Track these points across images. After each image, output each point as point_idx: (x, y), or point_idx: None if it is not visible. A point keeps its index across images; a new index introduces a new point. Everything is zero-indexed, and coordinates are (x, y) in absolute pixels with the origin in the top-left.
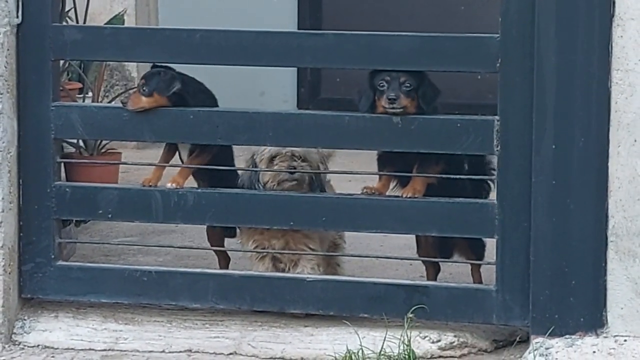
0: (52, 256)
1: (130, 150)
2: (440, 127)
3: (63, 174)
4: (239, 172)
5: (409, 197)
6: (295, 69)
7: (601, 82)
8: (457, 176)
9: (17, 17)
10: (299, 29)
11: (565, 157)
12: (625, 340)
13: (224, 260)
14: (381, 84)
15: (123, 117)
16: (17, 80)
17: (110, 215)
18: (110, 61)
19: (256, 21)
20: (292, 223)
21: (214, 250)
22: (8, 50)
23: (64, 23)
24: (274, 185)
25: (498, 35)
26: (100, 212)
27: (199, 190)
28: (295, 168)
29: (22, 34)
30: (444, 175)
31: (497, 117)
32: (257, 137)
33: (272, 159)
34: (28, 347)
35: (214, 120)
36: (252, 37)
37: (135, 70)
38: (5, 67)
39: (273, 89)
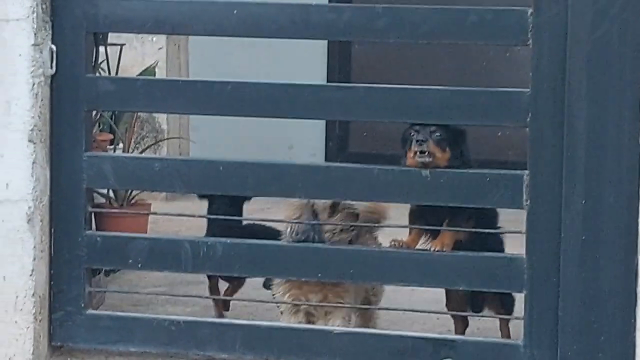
0: (82, 305)
1: (159, 202)
2: (470, 181)
3: (93, 224)
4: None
5: (437, 251)
6: (324, 122)
7: (632, 138)
8: (487, 230)
9: (51, 68)
10: (328, 81)
11: (595, 213)
12: None
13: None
14: (411, 134)
15: (154, 167)
16: (50, 130)
17: (140, 265)
18: (142, 112)
19: (286, 74)
20: (319, 275)
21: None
22: (42, 100)
23: (97, 74)
24: (333, 235)
25: (529, 89)
26: (131, 261)
27: (228, 241)
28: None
29: (56, 85)
30: (473, 230)
31: (526, 172)
32: (286, 189)
33: (332, 208)
34: None
35: (244, 172)
36: (282, 89)
37: (165, 122)
38: (39, 117)
39: (301, 142)
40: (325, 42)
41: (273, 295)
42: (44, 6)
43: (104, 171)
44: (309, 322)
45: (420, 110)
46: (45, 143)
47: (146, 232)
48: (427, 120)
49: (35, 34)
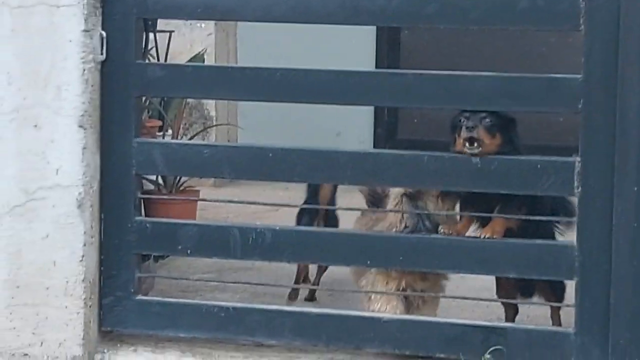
0: (132, 290)
1: (207, 188)
2: (520, 168)
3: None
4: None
5: (487, 238)
6: (372, 109)
7: None
8: (539, 218)
9: (102, 54)
10: (376, 67)
11: None
12: None
13: None
14: (461, 120)
15: (203, 154)
16: (100, 116)
17: (189, 251)
18: (191, 98)
19: (334, 61)
20: (369, 262)
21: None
22: (92, 86)
23: (146, 61)
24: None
25: (580, 75)
26: (180, 247)
27: (277, 228)
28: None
29: (106, 71)
30: (524, 217)
31: (578, 158)
32: (334, 176)
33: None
34: None
35: (292, 158)
36: (331, 76)
37: (213, 108)
38: (89, 102)
39: (349, 129)
40: (374, 27)
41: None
42: None
43: (153, 157)
44: (405, 309)
45: (470, 96)
46: (96, 129)
47: (195, 219)
48: (477, 107)
49: (85, 20)
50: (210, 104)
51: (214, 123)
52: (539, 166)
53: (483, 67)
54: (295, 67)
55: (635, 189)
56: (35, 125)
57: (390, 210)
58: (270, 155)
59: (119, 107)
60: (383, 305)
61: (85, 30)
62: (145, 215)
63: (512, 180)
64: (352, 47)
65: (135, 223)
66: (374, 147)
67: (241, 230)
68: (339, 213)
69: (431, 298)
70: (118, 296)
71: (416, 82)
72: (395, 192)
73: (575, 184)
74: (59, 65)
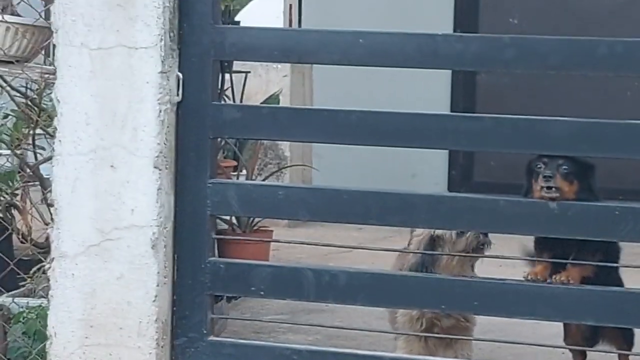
0: (205, 331)
1: (281, 229)
2: (598, 214)
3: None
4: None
5: (563, 284)
6: (447, 151)
7: None
8: (614, 265)
9: (178, 95)
10: (452, 111)
11: None
12: None
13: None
14: (538, 166)
15: (278, 195)
16: (175, 157)
17: (262, 293)
18: (268, 140)
19: (409, 104)
20: (443, 306)
21: None
22: (168, 127)
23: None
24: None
25: None
26: (253, 288)
27: (351, 270)
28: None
29: (182, 112)
30: (601, 264)
31: None
32: (409, 219)
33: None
34: None
35: (367, 201)
36: (407, 119)
37: (288, 149)
38: (165, 144)
39: (424, 171)
40: (450, 71)
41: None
42: (171, 34)
43: (228, 198)
44: (429, 352)
45: (548, 141)
46: (171, 169)
47: (268, 259)
48: (555, 152)
49: (162, 62)
50: (284, 145)
51: (289, 163)
52: (617, 212)
53: (561, 111)
54: (372, 110)
55: None
56: (112, 166)
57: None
58: (345, 197)
59: (194, 148)
60: (407, 347)
61: (162, 72)
62: (219, 255)
63: (589, 226)
64: (427, 90)
65: (208, 264)
66: (449, 189)
67: (315, 272)
68: None
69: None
70: (191, 337)
71: (493, 126)
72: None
73: None
74: (136, 107)
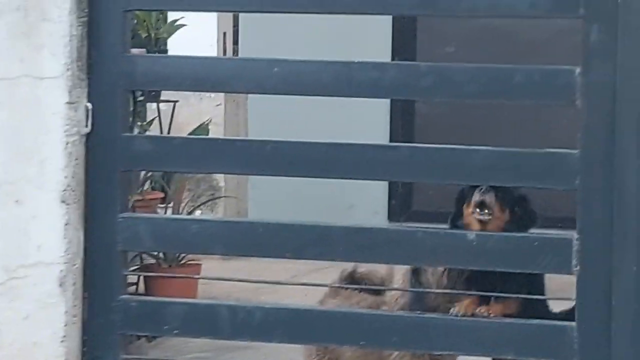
0: None
1: (215, 261)
2: (517, 245)
3: (142, 286)
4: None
5: (485, 317)
6: (387, 181)
7: None
8: (538, 297)
9: (87, 126)
10: (391, 140)
11: None
12: None
13: None
14: (471, 193)
15: (191, 229)
16: (85, 191)
17: (176, 331)
18: (179, 172)
19: (347, 133)
20: (362, 342)
21: None
22: (76, 159)
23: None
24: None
25: (577, 151)
26: (167, 327)
27: (267, 306)
28: None
29: (91, 144)
30: (522, 295)
31: (576, 236)
32: (327, 252)
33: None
34: None
35: (283, 234)
36: (323, 149)
37: (222, 180)
38: (73, 177)
39: (363, 201)
40: (388, 100)
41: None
42: (79, 63)
43: (140, 233)
44: None
45: (465, 171)
46: (80, 204)
47: (196, 294)
48: (474, 182)
49: (69, 92)
50: (219, 175)
51: (223, 194)
52: (536, 243)
53: (500, 140)
54: (286, 140)
55: (635, 268)
56: (17, 201)
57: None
58: (261, 230)
59: (104, 182)
60: None
61: (70, 103)
62: (147, 291)
63: (508, 257)
64: (365, 120)
65: (119, 302)
66: (389, 219)
67: (230, 308)
68: None
69: None
70: None
71: (410, 155)
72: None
73: (574, 262)
74: (42, 139)
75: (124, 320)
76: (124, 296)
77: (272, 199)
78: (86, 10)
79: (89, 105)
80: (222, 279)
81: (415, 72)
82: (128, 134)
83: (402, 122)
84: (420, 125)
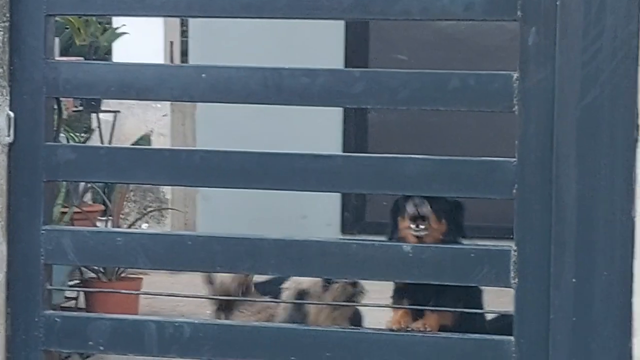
0: None
1: (162, 275)
2: (453, 257)
3: (83, 301)
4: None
5: (420, 332)
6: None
7: (625, 211)
8: (475, 311)
9: (9, 135)
10: (344, 151)
11: (587, 292)
12: None
13: None
14: (406, 204)
15: (117, 242)
16: (7, 202)
17: (102, 347)
18: (105, 182)
19: (299, 143)
20: (293, 358)
21: None
22: None
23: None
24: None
25: (515, 159)
26: (91, 343)
27: (196, 322)
28: None
29: (14, 153)
30: (459, 310)
31: (513, 247)
32: (258, 265)
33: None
34: None
35: (213, 246)
36: (254, 158)
37: (169, 192)
38: None
39: (316, 212)
40: (341, 109)
41: None
42: (0, 70)
43: (63, 246)
44: None
45: (401, 180)
46: (2, 215)
47: (137, 309)
48: (408, 192)
49: None
50: (166, 187)
51: (169, 206)
52: (472, 255)
53: (456, 147)
54: (216, 149)
55: (574, 280)
56: None
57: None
58: (190, 243)
59: (27, 192)
60: None
61: None
62: (87, 306)
63: (444, 270)
64: (318, 129)
65: (43, 317)
66: (342, 230)
67: (158, 324)
68: None
69: None
70: None
71: (344, 165)
72: (292, 286)
73: (512, 274)
74: None
75: (47, 337)
76: (47, 312)
77: (222, 210)
78: (7, 15)
79: (11, 113)
80: (160, 294)
81: (347, 78)
82: (51, 143)
83: (355, 131)
84: (373, 134)
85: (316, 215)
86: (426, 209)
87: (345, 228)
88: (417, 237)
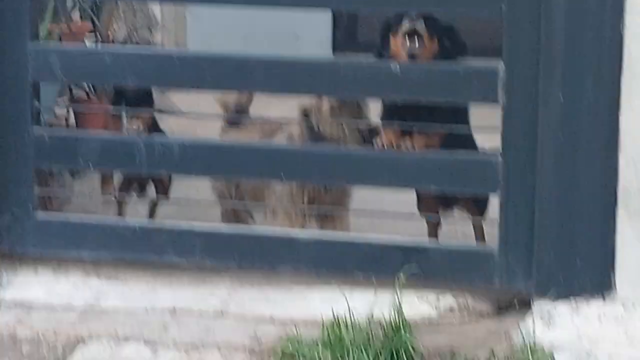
0: (31, 208)
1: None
2: (441, 75)
3: (73, 120)
4: None
5: (407, 150)
6: (330, 13)
7: (614, 27)
8: (461, 131)
9: None
10: None
11: (574, 110)
12: (633, 305)
13: None
14: (398, 20)
15: (105, 61)
16: None
17: (91, 164)
18: None
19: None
20: (282, 174)
21: None
22: None
23: None
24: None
25: None
26: (82, 161)
27: (184, 141)
28: None
29: None
30: (447, 129)
31: (502, 65)
32: (245, 84)
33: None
34: (4, 303)
35: (201, 65)
36: None
37: (159, 11)
38: None
39: (308, 33)
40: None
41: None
42: None
43: (51, 64)
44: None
45: None
46: None
47: None
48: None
49: None
50: (155, 7)
51: (159, 26)
52: (460, 73)
53: None
54: None
55: (562, 98)
56: None
57: None
58: (178, 62)
59: (11, 7)
60: (285, 221)
61: None
62: (77, 126)
63: (432, 88)
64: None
65: (32, 136)
66: (333, 50)
67: (147, 143)
68: None
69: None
70: (15, 214)
71: None
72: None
73: (500, 92)
74: None
75: (38, 155)
76: (36, 129)
77: (212, 30)
78: None
79: None
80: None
81: None
82: None
83: None
84: None
85: (308, 36)
86: (421, 26)
87: (336, 48)
88: (410, 55)
